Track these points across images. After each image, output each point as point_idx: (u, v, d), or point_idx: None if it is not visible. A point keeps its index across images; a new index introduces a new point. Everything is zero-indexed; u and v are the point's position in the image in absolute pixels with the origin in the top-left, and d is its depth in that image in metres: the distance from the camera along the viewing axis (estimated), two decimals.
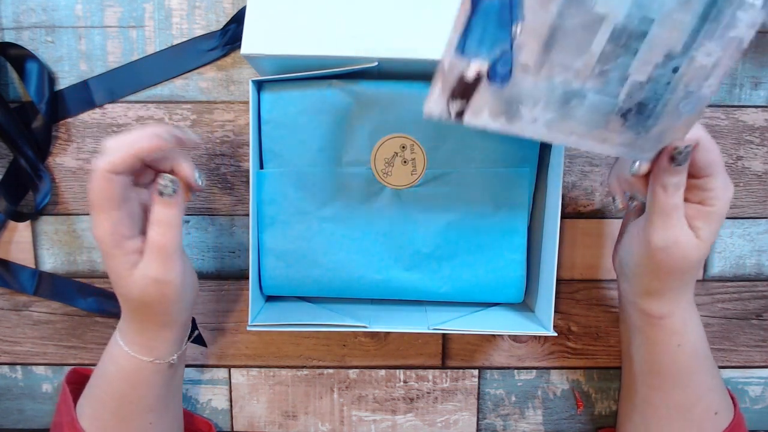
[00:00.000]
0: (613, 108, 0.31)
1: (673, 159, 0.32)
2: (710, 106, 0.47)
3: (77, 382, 0.43)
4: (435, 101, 0.30)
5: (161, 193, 0.31)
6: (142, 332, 0.35)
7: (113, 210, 0.31)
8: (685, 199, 0.33)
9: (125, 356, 0.36)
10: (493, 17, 0.28)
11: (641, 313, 0.38)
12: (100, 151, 0.31)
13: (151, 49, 0.46)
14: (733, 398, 0.41)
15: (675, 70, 0.30)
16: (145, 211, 0.34)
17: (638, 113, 0.31)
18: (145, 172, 0.34)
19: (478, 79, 0.29)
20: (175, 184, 0.31)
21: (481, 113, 0.30)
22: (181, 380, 0.42)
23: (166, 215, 0.32)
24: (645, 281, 0.37)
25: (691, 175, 0.33)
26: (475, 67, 0.29)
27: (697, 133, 0.32)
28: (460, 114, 0.30)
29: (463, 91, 0.29)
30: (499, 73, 0.29)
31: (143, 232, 0.34)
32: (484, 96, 0.30)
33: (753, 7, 0.28)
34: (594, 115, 0.31)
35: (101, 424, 0.37)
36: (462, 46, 0.28)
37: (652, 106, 0.31)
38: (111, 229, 0.32)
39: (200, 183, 0.35)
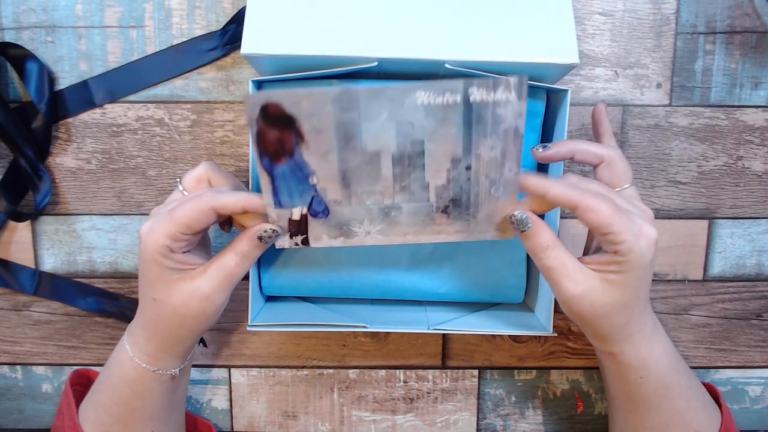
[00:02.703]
0: (431, 208, 0.33)
1: (516, 227, 0.33)
2: (710, 106, 0.47)
3: (80, 383, 0.43)
4: (281, 239, 0.34)
5: (260, 238, 0.33)
6: (152, 340, 0.35)
7: (185, 234, 0.32)
8: (602, 248, 0.33)
9: (130, 362, 0.36)
10: (290, 177, 0.31)
11: (597, 350, 0.38)
12: (216, 191, 0.33)
13: (151, 49, 0.46)
14: (722, 406, 0.41)
15: (468, 168, 0.31)
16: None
17: (456, 207, 0.33)
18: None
19: (304, 217, 0.33)
20: (276, 236, 0.33)
21: (321, 238, 0.34)
22: (184, 390, 0.41)
23: (252, 252, 0.34)
24: (582, 328, 0.36)
25: (599, 233, 0.32)
26: (297, 211, 0.33)
27: (575, 197, 0.31)
28: (305, 242, 0.34)
29: (298, 228, 0.33)
30: (318, 210, 0.33)
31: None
32: (316, 227, 0.33)
33: (509, 102, 0.29)
34: (417, 218, 0.33)
35: (104, 429, 0.38)
36: (278, 203, 0.32)
37: (465, 199, 0.33)
38: (167, 243, 0.32)
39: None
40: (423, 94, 0.29)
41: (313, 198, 0.32)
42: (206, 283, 0.33)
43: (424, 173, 0.32)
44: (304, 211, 0.33)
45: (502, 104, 0.29)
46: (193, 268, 0.34)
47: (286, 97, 0.29)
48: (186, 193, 0.35)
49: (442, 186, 0.32)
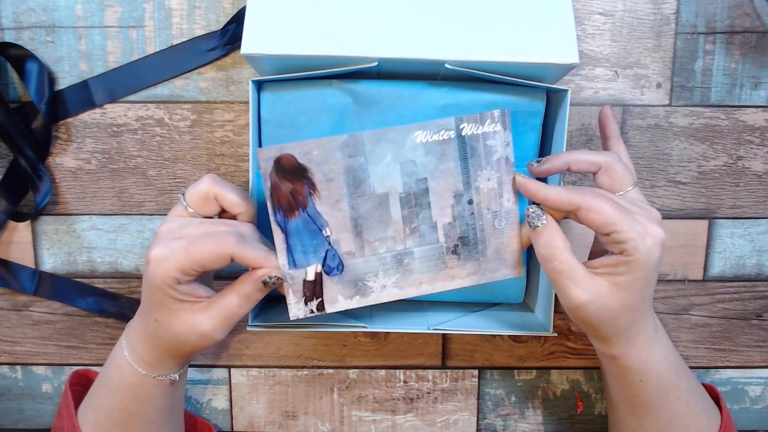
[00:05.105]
0: (441, 250, 0.35)
1: (530, 221, 0.33)
2: (710, 106, 0.47)
3: (80, 384, 0.43)
4: (295, 308, 0.34)
5: (265, 283, 0.33)
6: (152, 352, 0.36)
7: (197, 270, 0.32)
8: (608, 250, 0.33)
9: (129, 368, 0.36)
10: (303, 232, 0.33)
11: (598, 351, 0.38)
12: (240, 236, 0.33)
13: (151, 49, 0.46)
14: (722, 408, 0.40)
15: (470, 202, 0.34)
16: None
17: (464, 245, 0.35)
18: None
19: (319, 276, 0.34)
20: (280, 282, 0.33)
21: (337, 300, 0.34)
22: (183, 392, 0.42)
23: (254, 295, 0.34)
24: (586, 331, 0.36)
25: (602, 234, 0.32)
26: (311, 270, 0.34)
27: (576, 198, 0.32)
28: (321, 307, 0.34)
29: (313, 290, 0.34)
30: (332, 266, 0.34)
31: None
32: (331, 287, 0.34)
33: (497, 133, 0.33)
34: (429, 262, 0.35)
35: None
36: (293, 263, 0.34)
37: (472, 235, 0.35)
38: (176, 276, 0.32)
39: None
40: (421, 133, 0.32)
41: (327, 252, 0.33)
42: (207, 321, 0.34)
43: (431, 212, 0.34)
44: (319, 268, 0.34)
45: (490, 135, 0.33)
46: (197, 300, 0.34)
47: (297, 148, 0.31)
48: (191, 209, 0.34)
49: (449, 224, 0.34)
